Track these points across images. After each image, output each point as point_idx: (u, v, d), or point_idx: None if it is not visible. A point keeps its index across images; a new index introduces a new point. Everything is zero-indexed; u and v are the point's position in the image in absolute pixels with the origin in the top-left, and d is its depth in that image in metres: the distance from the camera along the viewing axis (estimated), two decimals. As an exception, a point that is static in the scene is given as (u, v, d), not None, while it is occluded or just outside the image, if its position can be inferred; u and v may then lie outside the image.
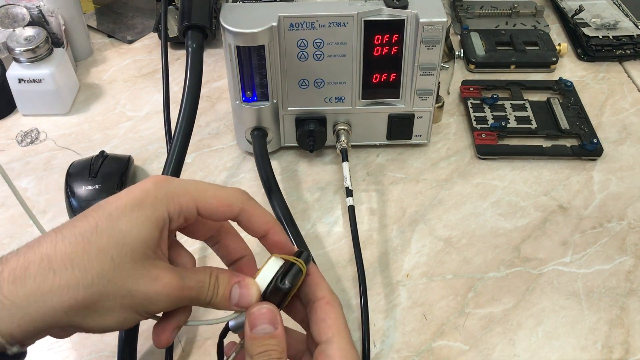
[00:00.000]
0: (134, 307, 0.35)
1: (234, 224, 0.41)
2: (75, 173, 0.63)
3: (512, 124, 0.72)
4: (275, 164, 0.68)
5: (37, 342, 0.52)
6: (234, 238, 0.42)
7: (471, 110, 0.74)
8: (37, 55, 0.71)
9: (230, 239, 0.42)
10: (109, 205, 0.35)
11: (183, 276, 0.36)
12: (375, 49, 0.61)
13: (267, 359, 0.36)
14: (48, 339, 0.53)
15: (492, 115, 0.73)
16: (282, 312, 0.39)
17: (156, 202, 0.36)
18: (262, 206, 0.40)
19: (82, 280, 0.33)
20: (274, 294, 0.38)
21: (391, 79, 0.64)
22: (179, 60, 0.85)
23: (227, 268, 0.43)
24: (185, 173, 0.67)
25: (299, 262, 0.39)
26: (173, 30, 0.81)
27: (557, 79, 0.79)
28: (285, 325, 0.39)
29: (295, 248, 0.41)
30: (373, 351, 0.51)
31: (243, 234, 0.42)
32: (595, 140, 0.69)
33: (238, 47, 0.59)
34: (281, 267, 0.39)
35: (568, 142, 0.70)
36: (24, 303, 0.32)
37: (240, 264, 0.43)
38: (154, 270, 0.35)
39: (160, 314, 0.38)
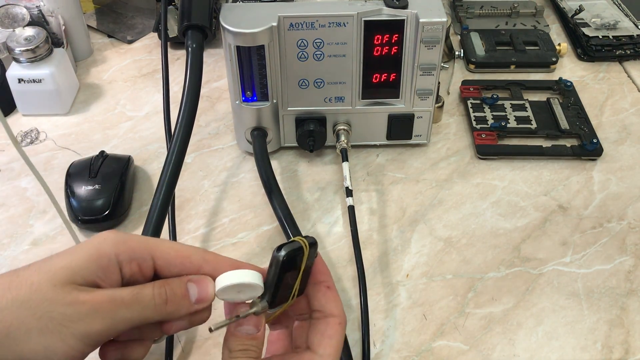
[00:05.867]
0: (58, 330, 0.32)
1: None
2: (75, 173, 0.63)
3: (512, 124, 0.72)
4: (275, 164, 0.68)
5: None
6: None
7: (471, 110, 0.74)
8: (37, 55, 0.71)
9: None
10: (56, 253, 0.35)
11: (108, 291, 0.35)
12: (375, 49, 0.61)
13: (245, 356, 0.37)
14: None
15: (492, 115, 0.73)
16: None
17: (102, 242, 0.35)
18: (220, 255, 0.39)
19: None
20: (273, 271, 0.37)
21: (391, 79, 0.64)
22: (179, 60, 0.85)
23: None
24: (185, 173, 0.67)
25: (302, 240, 0.38)
26: (173, 30, 0.81)
27: (557, 79, 0.79)
28: None
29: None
30: (373, 351, 0.51)
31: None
32: (595, 140, 0.69)
33: (238, 47, 0.59)
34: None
35: (568, 142, 0.70)
36: None
37: None
38: (74, 291, 0.33)
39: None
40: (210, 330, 0.37)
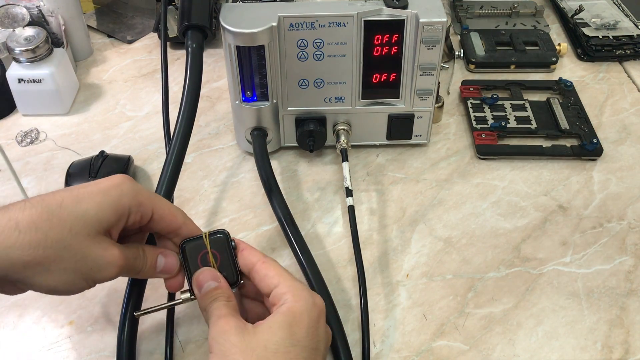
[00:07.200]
0: (84, 272, 0.40)
1: None
2: (75, 173, 0.63)
3: (512, 124, 0.72)
4: (275, 164, 0.68)
5: (36, 341, 0.52)
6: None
7: (471, 110, 0.74)
8: (37, 55, 0.71)
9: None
10: (78, 190, 0.41)
11: (123, 250, 0.43)
12: (375, 49, 0.61)
13: (218, 303, 0.43)
14: (47, 338, 0.53)
15: (492, 115, 0.73)
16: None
17: (122, 194, 0.42)
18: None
19: (43, 242, 0.38)
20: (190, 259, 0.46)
21: (391, 79, 0.64)
22: (179, 60, 0.85)
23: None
24: (185, 173, 0.67)
25: (205, 234, 0.46)
26: (173, 30, 0.81)
27: (557, 79, 0.79)
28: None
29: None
30: (373, 351, 0.51)
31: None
32: (595, 140, 0.69)
33: (238, 47, 0.59)
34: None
35: (568, 142, 0.70)
36: None
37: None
38: (103, 244, 0.41)
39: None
40: (134, 315, 0.47)
